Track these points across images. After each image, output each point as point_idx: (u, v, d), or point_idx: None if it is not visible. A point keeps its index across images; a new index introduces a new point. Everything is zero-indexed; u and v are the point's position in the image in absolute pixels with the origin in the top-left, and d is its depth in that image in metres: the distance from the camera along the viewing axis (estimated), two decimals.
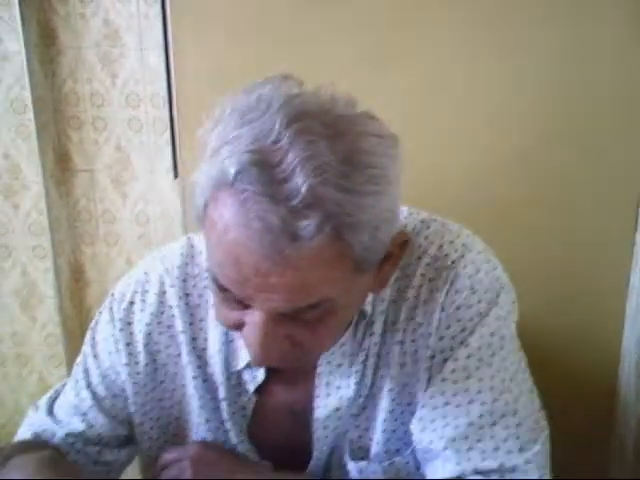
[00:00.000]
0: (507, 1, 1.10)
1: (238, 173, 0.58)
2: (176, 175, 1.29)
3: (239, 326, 0.67)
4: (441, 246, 0.76)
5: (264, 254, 0.58)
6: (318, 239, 0.57)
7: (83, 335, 0.88)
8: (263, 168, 0.57)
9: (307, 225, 0.57)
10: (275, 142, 0.58)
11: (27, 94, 1.35)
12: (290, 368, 0.77)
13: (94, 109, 1.41)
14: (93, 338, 0.85)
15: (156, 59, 1.33)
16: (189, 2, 1.14)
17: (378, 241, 0.62)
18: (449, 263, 0.75)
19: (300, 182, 0.56)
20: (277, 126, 0.58)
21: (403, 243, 0.69)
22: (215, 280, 0.65)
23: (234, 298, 0.64)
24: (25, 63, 1.32)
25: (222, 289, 0.64)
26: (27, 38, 1.32)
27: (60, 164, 1.46)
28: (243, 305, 0.64)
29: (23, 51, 1.31)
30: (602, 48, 1.11)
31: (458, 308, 0.74)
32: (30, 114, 1.36)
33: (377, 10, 1.12)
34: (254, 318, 0.64)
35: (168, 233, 1.44)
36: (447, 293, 0.75)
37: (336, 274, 0.61)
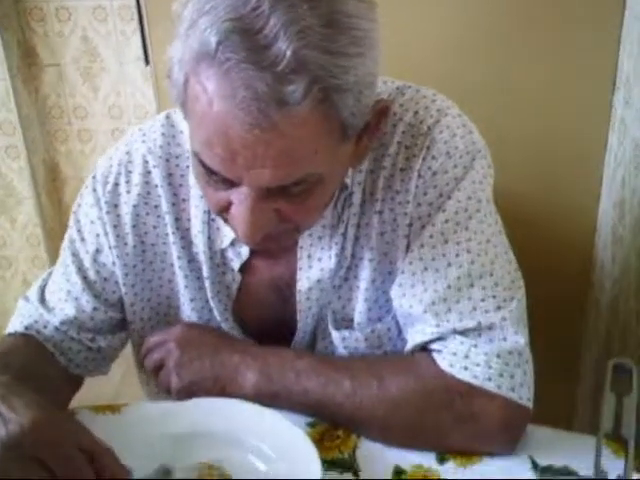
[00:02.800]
0: None
1: (219, 43, 0.57)
2: (147, 62, 1.25)
3: (226, 208, 0.67)
4: (416, 112, 0.76)
5: (252, 123, 0.57)
6: (306, 103, 0.58)
7: (64, 234, 0.87)
8: (245, 35, 0.56)
9: (294, 90, 0.57)
10: (255, 8, 0.56)
11: None
12: (275, 245, 0.77)
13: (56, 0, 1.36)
14: (78, 221, 0.85)
15: None
16: None
17: (362, 105, 0.63)
18: (425, 129, 0.75)
19: (284, 47, 0.56)
20: None
21: (382, 110, 0.69)
22: (201, 162, 0.64)
23: (221, 179, 0.64)
24: None
25: (209, 171, 0.64)
26: None
27: (26, 59, 1.41)
28: (229, 184, 0.64)
29: None
30: None
31: (435, 174, 0.75)
32: None
33: None
34: (241, 196, 0.64)
35: None
36: (424, 159, 0.75)
37: (323, 142, 0.62)
